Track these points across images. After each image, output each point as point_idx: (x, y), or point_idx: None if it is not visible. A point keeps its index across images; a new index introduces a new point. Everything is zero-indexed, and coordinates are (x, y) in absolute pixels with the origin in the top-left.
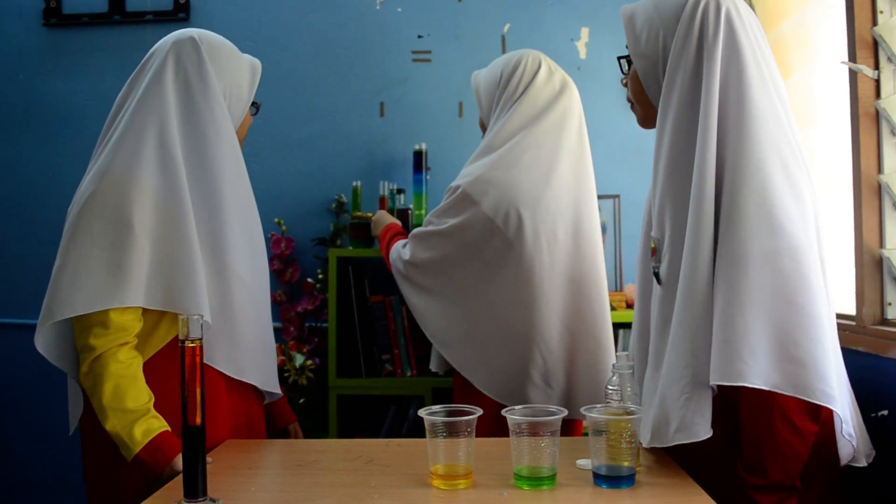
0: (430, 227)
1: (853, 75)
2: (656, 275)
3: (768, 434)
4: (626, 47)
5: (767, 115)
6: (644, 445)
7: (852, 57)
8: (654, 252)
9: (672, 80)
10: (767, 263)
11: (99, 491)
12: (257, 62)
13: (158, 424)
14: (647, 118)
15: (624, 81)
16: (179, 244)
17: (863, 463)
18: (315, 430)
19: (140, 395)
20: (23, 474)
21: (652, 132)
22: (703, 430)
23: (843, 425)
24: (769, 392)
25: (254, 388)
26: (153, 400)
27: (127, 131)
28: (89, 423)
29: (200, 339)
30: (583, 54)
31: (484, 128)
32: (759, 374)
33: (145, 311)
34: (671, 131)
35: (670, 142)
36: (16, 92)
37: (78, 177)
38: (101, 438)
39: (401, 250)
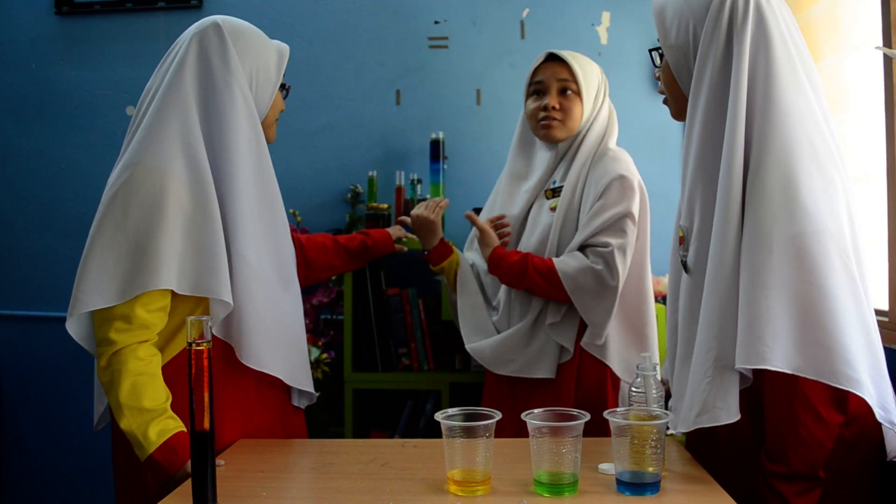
0: (629, 236)
1: (888, 61)
2: (684, 264)
3: (791, 422)
4: (658, 40)
5: (797, 102)
6: (670, 431)
7: (887, 42)
8: (682, 241)
9: (702, 70)
10: (791, 247)
11: (128, 483)
12: (285, 46)
13: (174, 425)
14: (679, 111)
15: (657, 74)
16: (206, 231)
17: None
18: (330, 424)
19: (157, 394)
20: (38, 466)
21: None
22: (724, 415)
23: (882, 412)
24: (793, 378)
25: (288, 388)
26: (171, 400)
27: (153, 121)
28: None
29: (209, 343)
30: (604, 40)
31: None
32: (781, 357)
33: (172, 308)
34: (701, 120)
35: (700, 130)
36: (29, 82)
37: (92, 166)
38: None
39: (601, 273)
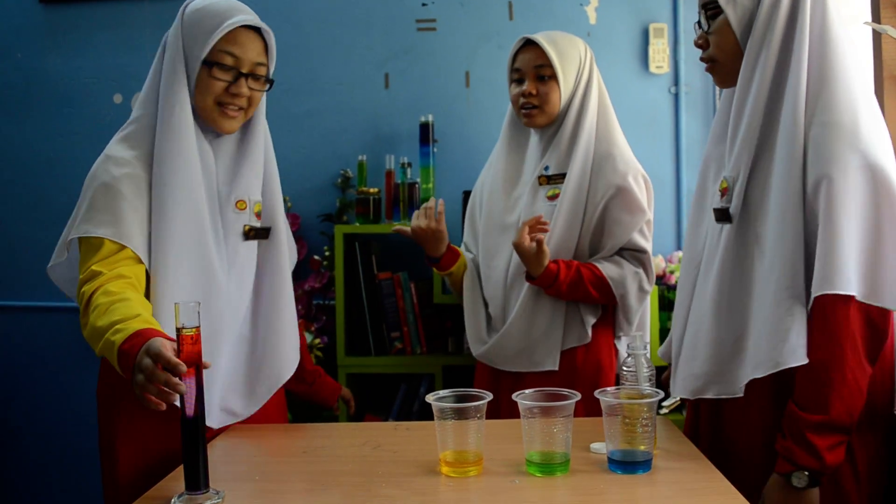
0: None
1: (877, 36)
2: (726, 213)
3: (837, 363)
4: (707, 4)
5: (851, 63)
6: (688, 396)
7: (876, 17)
8: (726, 192)
9: (765, 30)
10: (861, 177)
11: (121, 452)
12: (236, 19)
13: (143, 323)
14: (731, 73)
15: (699, 40)
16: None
17: None
18: (324, 409)
19: (131, 308)
20: (31, 457)
21: (661, 100)
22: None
23: None
24: (845, 321)
25: None
26: (149, 310)
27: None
28: (108, 387)
29: (198, 327)
30: (593, 19)
31: None
32: (853, 284)
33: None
34: (761, 77)
35: (759, 86)
36: (15, 71)
37: (80, 155)
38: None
39: (642, 277)
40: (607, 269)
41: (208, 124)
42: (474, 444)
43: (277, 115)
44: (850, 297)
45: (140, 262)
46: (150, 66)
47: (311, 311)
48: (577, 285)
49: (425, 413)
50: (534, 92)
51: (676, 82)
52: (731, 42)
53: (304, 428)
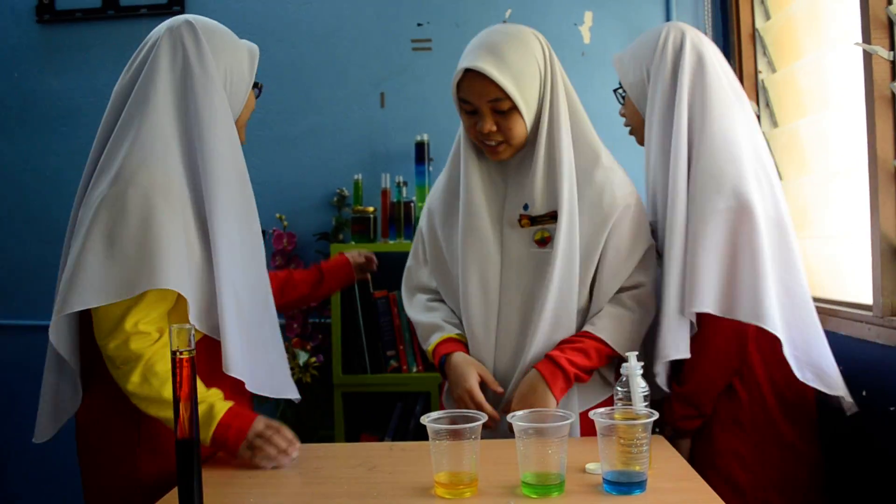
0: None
1: (867, 57)
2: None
3: (699, 353)
4: (619, 84)
5: (727, 117)
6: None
7: (866, 38)
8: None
9: (654, 94)
10: (722, 219)
11: (110, 482)
12: (254, 45)
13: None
14: (643, 136)
15: (622, 112)
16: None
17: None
18: (321, 427)
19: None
20: (28, 476)
21: None
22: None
23: (790, 349)
24: (712, 322)
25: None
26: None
27: (134, 128)
28: (94, 415)
29: (193, 351)
30: (587, 39)
31: None
32: (709, 303)
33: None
34: (656, 136)
35: (656, 145)
36: (11, 90)
37: (76, 174)
38: (110, 428)
39: (642, 313)
40: (606, 333)
41: None
42: (469, 466)
43: (274, 134)
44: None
45: None
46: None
47: (308, 330)
48: (590, 372)
49: (421, 432)
50: (494, 130)
51: None
52: (635, 113)
53: (300, 448)
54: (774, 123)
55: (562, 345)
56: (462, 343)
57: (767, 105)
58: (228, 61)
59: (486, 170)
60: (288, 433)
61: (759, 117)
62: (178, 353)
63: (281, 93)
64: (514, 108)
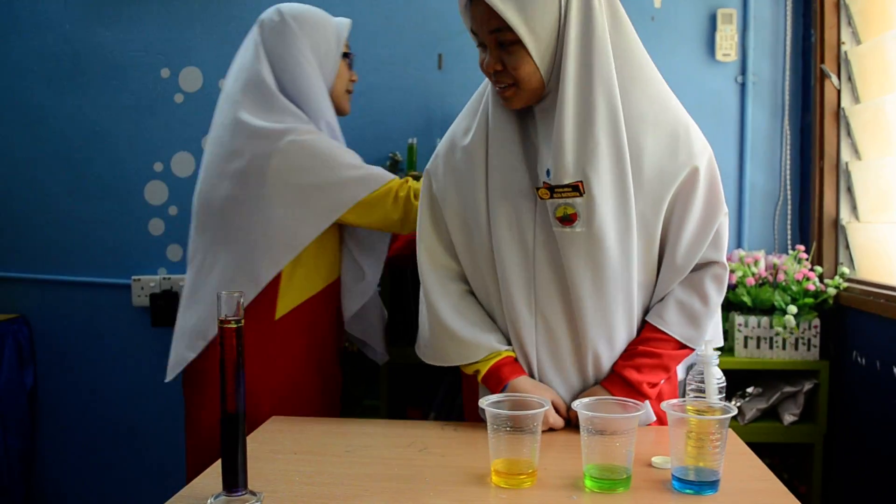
0: None
1: (821, 77)
2: None
3: None
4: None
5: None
6: None
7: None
8: None
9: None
10: None
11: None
12: (345, 20)
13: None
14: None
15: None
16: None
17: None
18: (365, 397)
19: None
20: (73, 429)
21: (726, 90)
22: None
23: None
24: None
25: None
26: None
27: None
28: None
29: (240, 321)
30: (658, 3)
31: None
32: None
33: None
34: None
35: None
36: (63, 44)
37: (125, 129)
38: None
39: (715, 297)
40: (672, 327)
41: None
42: (529, 454)
43: None
44: None
45: None
46: (198, 41)
47: None
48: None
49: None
50: (498, 68)
51: (744, 71)
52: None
53: (347, 423)
54: (857, 99)
55: (636, 357)
56: (519, 363)
57: (850, 79)
58: (315, 38)
59: (518, 118)
60: None
61: (839, 92)
62: (224, 322)
63: None
64: (519, 43)
